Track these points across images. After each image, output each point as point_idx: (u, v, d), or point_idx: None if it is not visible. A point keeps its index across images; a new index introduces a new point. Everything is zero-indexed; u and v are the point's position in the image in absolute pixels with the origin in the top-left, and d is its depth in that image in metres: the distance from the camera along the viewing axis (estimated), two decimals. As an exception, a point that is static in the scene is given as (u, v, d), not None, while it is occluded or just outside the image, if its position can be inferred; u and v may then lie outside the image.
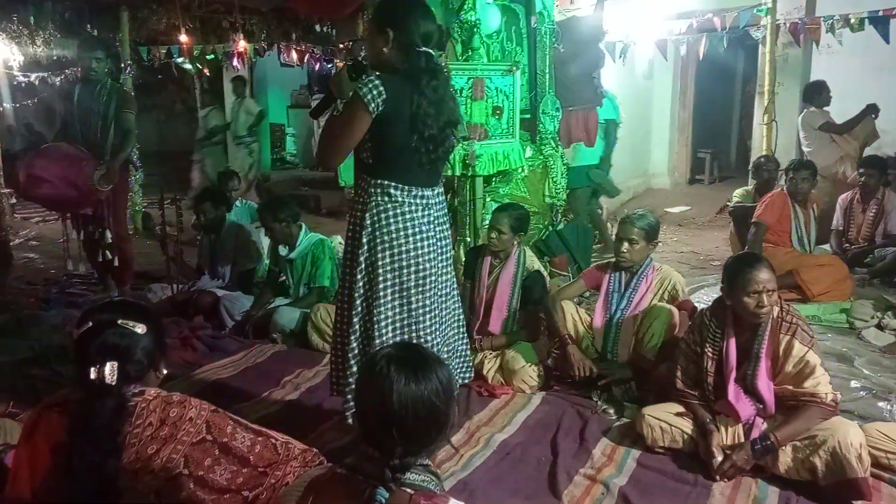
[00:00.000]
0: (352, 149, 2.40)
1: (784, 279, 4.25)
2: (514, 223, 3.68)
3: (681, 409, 2.84)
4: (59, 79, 9.60)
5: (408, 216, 2.43)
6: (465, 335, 2.87)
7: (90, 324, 1.76)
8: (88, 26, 8.56)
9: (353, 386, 2.38)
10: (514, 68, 4.41)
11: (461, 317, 2.80)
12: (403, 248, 2.42)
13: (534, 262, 3.80)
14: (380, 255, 2.42)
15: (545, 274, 3.91)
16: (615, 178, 6.49)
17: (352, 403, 2.41)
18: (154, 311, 1.97)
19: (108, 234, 4.76)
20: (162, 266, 5.55)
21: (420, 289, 2.45)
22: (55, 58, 9.80)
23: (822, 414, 2.56)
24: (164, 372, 1.92)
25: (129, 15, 7.66)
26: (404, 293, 2.44)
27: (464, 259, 4.12)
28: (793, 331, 2.61)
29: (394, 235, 2.42)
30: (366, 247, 2.43)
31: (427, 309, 2.48)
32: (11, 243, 6.81)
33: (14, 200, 8.01)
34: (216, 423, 1.85)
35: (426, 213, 2.48)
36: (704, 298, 4.81)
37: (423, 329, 2.47)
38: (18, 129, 10.47)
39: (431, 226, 2.50)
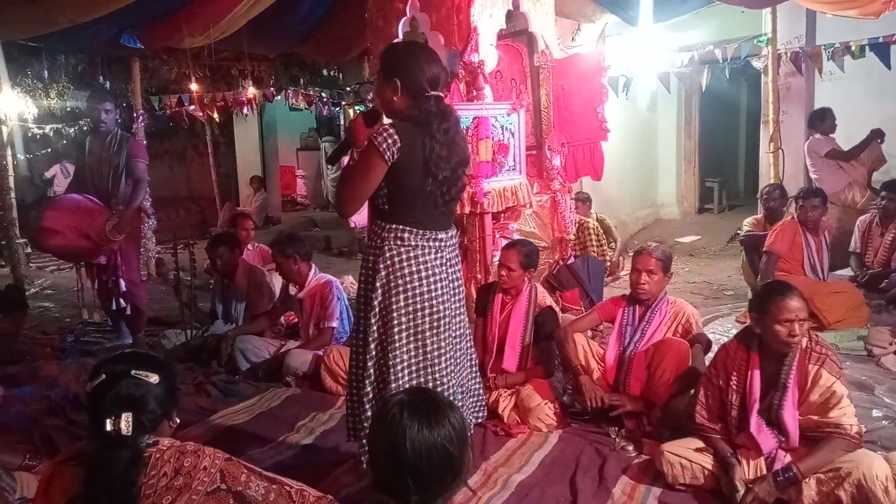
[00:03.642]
0: (368, 196, 2.42)
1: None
2: (524, 259, 3.68)
3: (700, 444, 2.80)
4: (72, 130, 9.78)
5: (421, 259, 2.45)
6: (479, 374, 2.86)
7: (104, 376, 1.78)
8: (101, 77, 8.76)
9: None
10: (519, 106, 4.46)
11: (474, 356, 2.80)
12: (417, 291, 2.43)
13: (545, 298, 3.79)
14: (394, 299, 2.43)
15: (557, 309, 3.90)
16: (623, 209, 6.50)
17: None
18: (165, 361, 1.98)
19: (122, 283, 4.80)
20: (176, 312, 5.58)
21: (435, 331, 2.46)
22: (69, 109, 10.02)
23: (847, 446, 2.52)
24: (177, 421, 1.92)
25: (140, 65, 7.82)
26: (419, 336, 2.45)
27: (475, 296, 4.12)
28: (822, 361, 2.58)
29: (408, 279, 2.43)
30: (379, 291, 2.44)
31: (442, 351, 2.48)
32: (27, 292, 6.88)
33: (29, 250, 8.11)
34: (230, 472, 1.84)
35: (439, 255, 2.50)
36: (719, 329, 4.78)
37: (438, 371, 2.47)
38: (33, 179, 10.64)
39: (444, 267, 2.52)
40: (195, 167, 13.37)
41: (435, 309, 2.46)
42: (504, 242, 4.22)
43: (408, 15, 4.58)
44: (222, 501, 1.79)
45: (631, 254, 3.74)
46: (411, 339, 2.44)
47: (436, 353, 2.47)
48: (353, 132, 2.44)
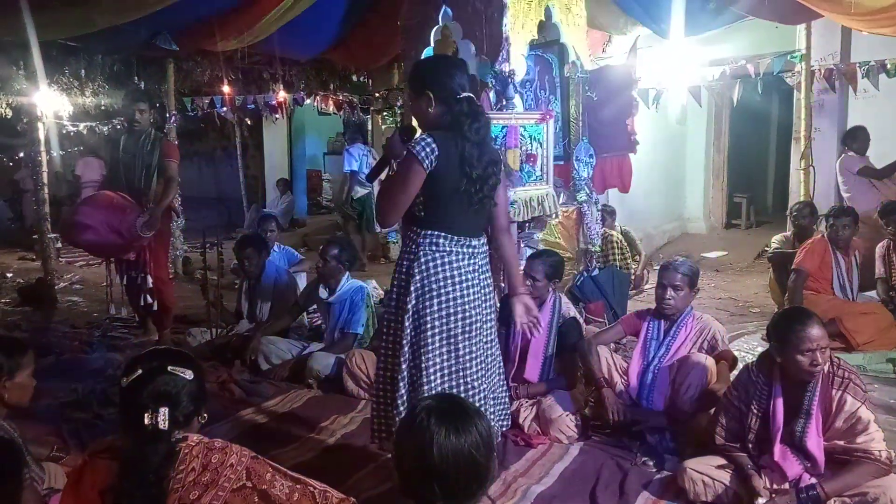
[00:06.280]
0: (408, 204, 2.51)
1: (827, 328, 4.14)
2: (549, 270, 3.68)
3: (723, 461, 2.77)
4: (106, 128, 9.96)
5: (454, 265, 2.52)
6: (505, 382, 2.89)
7: (140, 371, 1.81)
8: (136, 78, 8.91)
9: None
10: (548, 116, 4.46)
11: (501, 363, 2.83)
12: (451, 296, 2.50)
13: (570, 309, 3.78)
14: (427, 304, 2.50)
15: (581, 321, 3.89)
16: (649, 222, 6.46)
17: None
18: (195, 358, 2.02)
19: (150, 280, 4.87)
20: (202, 310, 5.64)
21: (467, 335, 2.53)
22: (103, 107, 10.19)
23: (876, 472, 2.48)
24: (206, 417, 1.96)
25: (174, 67, 7.95)
26: (452, 340, 2.51)
27: (499, 305, 4.11)
28: (845, 385, 2.54)
29: (441, 283, 2.50)
30: (413, 295, 2.51)
31: (473, 355, 2.53)
32: (56, 287, 7.01)
33: (59, 245, 8.25)
34: (256, 470, 1.86)
35: (472, 261, 2.57)
36: (744, 347, 4.72)
37: (470, 376, 2.51)
38: (66, 175, 10.84)
39: (476, 274, 2.58)
40: (224, 168, 13.54)
41: (467, 314, 2.51)
42: (529, 252, 4.22)
43: (440, 24, 4.61)
44: (247, 499, 1.81)
45: (656, 267, 3.71)
46: (444, 343, 2.50)
47: (467, 358, 2.52)
48: (391, 148, 2.55)
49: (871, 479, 2.47)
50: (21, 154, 10.30)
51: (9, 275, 8.22)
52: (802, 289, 4.82)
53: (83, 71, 9.12)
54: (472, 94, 2.55)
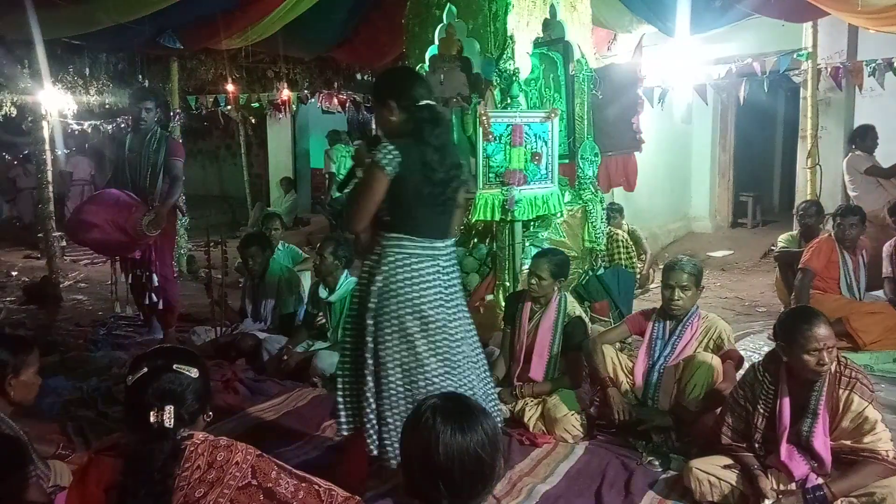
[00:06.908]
0: (374, 210, 2.61)
1: (834, 327, 4.12)
2: (554, 269, 3.66)
3: (729, 461, 2.76)
4: (110, 126, 9.98)
5: (415, 266, 2.63)
6: (490, 378, 2.93)
7: (145, 369, 1.81)
8: (140, 76, 8.92)
9: (373, 422, 2.59)
10: (553, 115, 4.45)
11: (482, 361, 2.87)
12: (408, 297, 2.61)
13: (575, 308, 3.77)
14: (386, 303, 2.61)
15: (586, 320, 3.87)
16: (654, 221, 6.45)
17: (375, 442, 2.59)
18: (200, 356, 2.02)
19: (155, 278, 4.87)
20: (206, 309, 5.64)
21: (423, 333, 2.62)
22: (107, 106, 10.22)
23: (883, 472, 2.47)
24: (211, 415, 1.96)
25: (178, 65, 7.96)
26: (409, 338, 2.61)
27: (503, 305, 4.11)
28: (852, 385, 2.53)
29: (400, 284, 2.61)
30: (375, 294, 2.62)
31: (432, 352, 2.62)
32: (61, 285, 7.02)
33: (64, 243, 8.27)
34: (261, 468, 1.86)
35: (434, 263, 2.68)
36: (750, 346, 4.70)
37: (429, 372, 2.61)
38: (69, 175, 10.87)
39: (438, 275, 2.68)
40: (228, 167, 13.57)
41: (425, 314, 2.62)
42: (534, 251, 4.21)
43: (444, 21, 4.61)
44: (253, 497, 1.81)
45: (661, 267, 3.70)
46: (402, 340, 2.61)
47: (425, 355, 2.61)
48: (357, 158, 2.71)
49: (879, 479, 2.46)
50: (26, 151, 10.31)
51: (14, 273, 8.24)
52: (809, 288, 4.80)
53: (87, 69, 9.14)
54: (432, 102, 2.68)
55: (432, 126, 2.62)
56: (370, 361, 2.63)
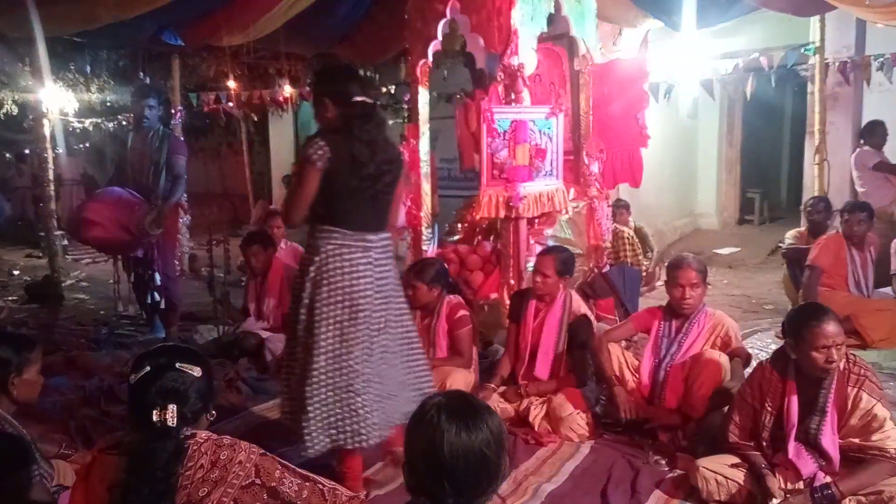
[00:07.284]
0: (308, 203, 2.70)
1: (842, 324, 4.10)
2: (560, 266, 3.63)
3: (736, 459, 2.74)
4: (111, 124, 9.96)
5: (346, 256, 2.70)
6: (423, 370, 2.97)
7: (148, 368, 1.80)
8: (142, 73, 8.89)
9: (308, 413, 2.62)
10: (558, 110, 4.41)
11: (414, 353, 2.93)
12: (339, 286, 2.69)
13: (580, 306, 3.73)
14: (317, 292, 2.69)
15: (592, 318, 3.84)
16: (660, 218, 6.41)
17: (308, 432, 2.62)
18: (203, 355, 2.00)
19: (157, 277, 4.85)
20: (209, 307, 5.62)
21: (352, 321, 2.69)
22: (108, 104, 10.20)
23: (891, 470, 2.45)
24: (214, 414, 1.95)
25: (180, 62, 7.93)
26: (338, 325, 2.69)
27: (508, 302, 4.07)
28: (861, 383, 2.51)
29: (331, 274, 2.69)
30: (308, 285, 2.71)
31: (358, 341, 2.69)
32: (63, 284, 7.01)
33: (66, 242, 8.26)
34: (265, 467, 1.85)
35: (366, 254, 2.75)
36: (758, 344, 4.66)
37: (353, 359, 2.68)
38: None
39: (370, 267, 2.75)
40: (229, 164, 13.53)
41: (355, 303, 2.69)
42: (539, 248, 4.17)
43: (447, 17, 4.56)
44: (256, 496, 1.81)
45: (667, 264, 3.66)
46: (331, 328, 2.68)
47: (352, 343, 2.69)
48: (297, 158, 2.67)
49: (887, 478, 2.44)
50: (27, 150, 10.31)
51: (16, 272, 8.24)
52: (817, 285, 4.77)
53: (89, 67, 9.12)
54: (365, 98, 2.74)
55: (362, 121, 2.70)
56: (298, 349, 2.73)
